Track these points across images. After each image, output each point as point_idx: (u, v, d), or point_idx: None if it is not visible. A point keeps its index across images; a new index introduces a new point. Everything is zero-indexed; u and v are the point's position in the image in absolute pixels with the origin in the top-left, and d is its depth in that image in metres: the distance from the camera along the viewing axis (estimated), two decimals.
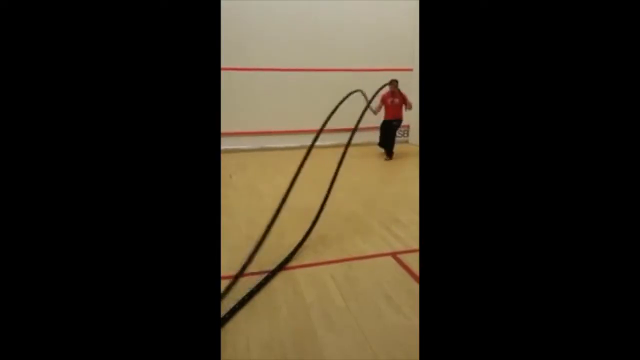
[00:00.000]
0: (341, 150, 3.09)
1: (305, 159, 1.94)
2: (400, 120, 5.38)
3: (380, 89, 3.38)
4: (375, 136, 5.45)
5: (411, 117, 6.20)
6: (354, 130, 3.02)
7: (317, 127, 2.44)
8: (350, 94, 2.82)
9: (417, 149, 6.09)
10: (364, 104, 3.20)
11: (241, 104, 5.67)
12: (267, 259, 2.17)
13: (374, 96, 3.19)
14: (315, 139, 2.05)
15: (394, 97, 5.24)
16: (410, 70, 6.25)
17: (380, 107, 5.27)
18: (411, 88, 5.93)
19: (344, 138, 5.85)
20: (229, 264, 1.99)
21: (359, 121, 3.05)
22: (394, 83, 5.19)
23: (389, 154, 5.37)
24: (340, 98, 2.89)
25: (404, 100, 5.21)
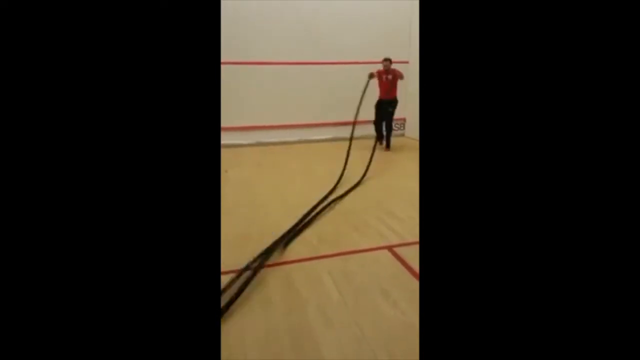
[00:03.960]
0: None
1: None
2: (395, 102, 5.38)
3: (367, 83, 3.38)
4: (372, 128, 5.43)
5: (408, 111, 6.19)
6: (355, 118, 3.06)
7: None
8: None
9: (414, 142, 6.08)
10: (359, 95, 3.21)
11: (236, 98, 5.62)
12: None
13: (366, 86, 3.19)
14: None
15: (387, 74, 5.26)
16: (407, 62, 6.22)
17: (374, 76, 5.24)
18: (408, 80, 5.90)
19: (342, 131, 5.87)
20: (223, 261, 1.98)
21: (358, 107, 3.08)
22: (387, 61, 5.22)
23: (387, 145, 5.40)
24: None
25: (396, 76, 5.20)
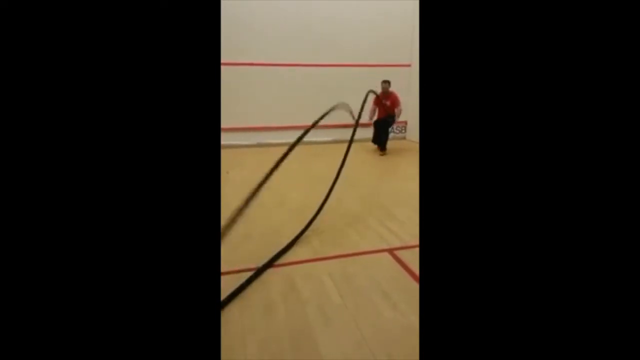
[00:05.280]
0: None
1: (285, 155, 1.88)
2: (393, 116, 5.37)
3: (365, 98, 3.32)
4: (371, 132, 5.43)
5: (409, 113, 6.20)
6: (350, 142, 3.03)
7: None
8: (331, 109, 2.54)
9: (415, 145, 6.09)
10: (361, 98, 3.20)
11: (238, 99, 5.64)
12: (263, 256, 2.17)
13: (360, 112, 3.15)
14: (298, 139, 1.98)
15: (385, 100, 5.21)
16: (409, 66, 6.24)
17: (374, 113, 5.23)
18: (410, 84, 5.92)
19: (341, 134, 5.87)
20: (224, 261, 1.98)
21: (352, 136, 3.04)
22: (385, 84, 5.16)
23: (383, 147, 5.37)
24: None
25: (393, 104, 5.17)
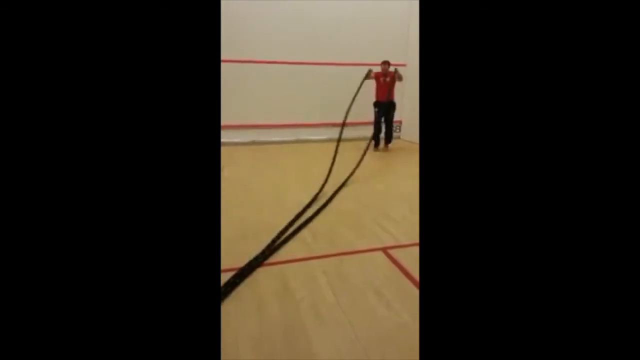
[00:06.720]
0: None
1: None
2: (393, 105, 5.41)
3: (366, 76, 3.44)
4: (369, 130, 5.44)
5: (404, 113, 6.22)
6: (347, 111, 3.10)
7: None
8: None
9: (409, 144, 6.11)
10: (362, 100, 3.22)
11: (233, 96, 5.61)
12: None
13: (361, 84, 3.29)
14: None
15: (385, 76, 5.28)
16: (404, 65, 6.25)
17: (372, 75, 5.26)
18: (404, 83, 5.92)
19: (334, 132, 5.88)
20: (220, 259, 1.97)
21: (352, 101, 3.14)
22: (385, 64, 5.26)
23: (385, 142, 5.44)
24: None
25: (394, 79, 5.21)
